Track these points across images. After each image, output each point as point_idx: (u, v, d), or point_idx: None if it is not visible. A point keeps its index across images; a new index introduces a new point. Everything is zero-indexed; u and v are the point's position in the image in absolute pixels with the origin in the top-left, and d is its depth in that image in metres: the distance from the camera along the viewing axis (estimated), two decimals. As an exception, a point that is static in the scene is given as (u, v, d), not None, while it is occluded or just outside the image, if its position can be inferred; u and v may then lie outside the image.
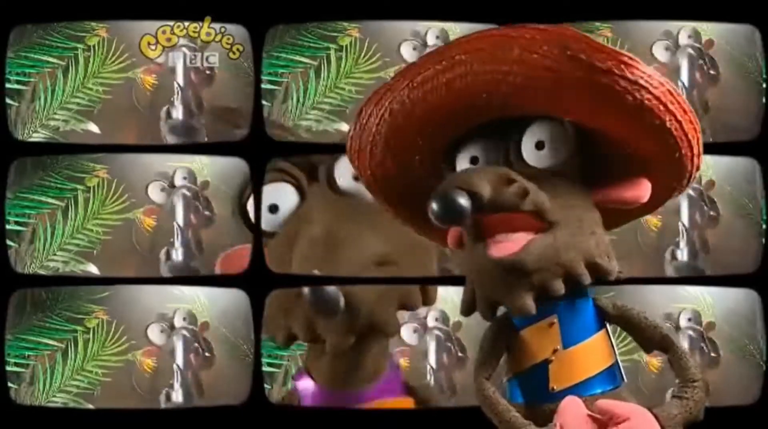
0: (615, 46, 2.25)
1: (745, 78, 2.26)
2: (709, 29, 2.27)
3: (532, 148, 1.12)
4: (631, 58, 1.12)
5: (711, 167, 2.26)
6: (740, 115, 2.25)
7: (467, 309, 1.16)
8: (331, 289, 1.85)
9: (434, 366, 2.25)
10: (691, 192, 2.27)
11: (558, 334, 1.14)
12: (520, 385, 1.17)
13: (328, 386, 1.96)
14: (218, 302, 2.23)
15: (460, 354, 2.24)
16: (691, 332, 2.24)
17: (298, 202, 1.99)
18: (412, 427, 2.01)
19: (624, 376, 1.21)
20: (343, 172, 1.99)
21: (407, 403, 1.98)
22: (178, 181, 2.26)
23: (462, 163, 1.11)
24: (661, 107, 1.08)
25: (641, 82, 1.07)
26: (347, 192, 1.98)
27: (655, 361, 2.25)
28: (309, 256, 1.90)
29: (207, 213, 2.27)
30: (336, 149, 2.05)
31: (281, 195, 2.00)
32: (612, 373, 1.22)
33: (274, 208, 2.00)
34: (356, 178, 1.97)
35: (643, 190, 1.14)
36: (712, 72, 2.27)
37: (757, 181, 2.23)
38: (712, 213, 2.26)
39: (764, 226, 2.22)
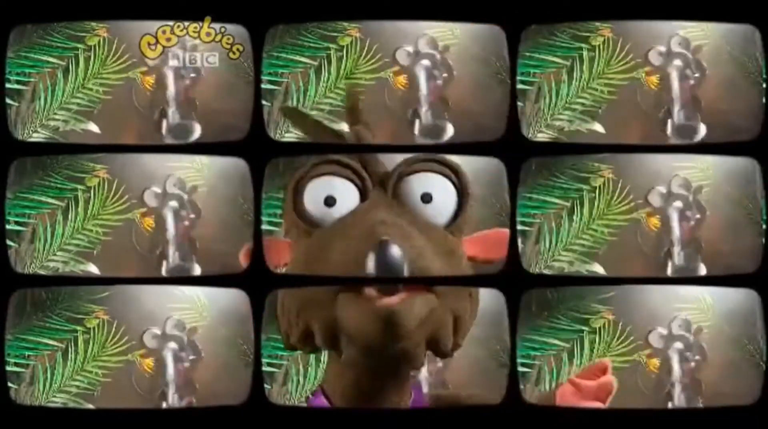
0: (615, 46, 2.27)
1: (745, 78, 2.26)
2: (709, 29, 2.27)
3: None
4: None
5: (711, 167, 2.26)
6: (740, 115, 2.25)
7: None
8: (396, 253, 1.83)
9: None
10: (681, 194, 2.27)
11: None
12: None
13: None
14: (218, 302, 2.23)
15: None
16: (679, 343, 2.25)
17: (357, 203, 1.97)
18: (413, 427, 2.01)
19: None
20: (412, 189, 1.98)
21: None
22: (170, 188, 2.26)
23: None
24: None
25: None
26: (411, 208, 1.96)
27: (655, 360, 2.25)
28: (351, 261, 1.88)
29: (193, 216, 2.27)
30: (336, 149, 2.05)
31: (342, 190, 1.97)
32: None
33: (330, 201, 1.97)
34: (425, 199, 1.96)
35: None
36: (700, 76, 2.28)
37: (757, 181, 2.23)
38: (698, 215, 2.27)
39: (764, 226, 2.22)
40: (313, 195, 1.96)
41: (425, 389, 1.98)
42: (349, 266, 1.87)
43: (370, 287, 1.86)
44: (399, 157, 2.01)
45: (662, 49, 2.27)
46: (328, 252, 1.90)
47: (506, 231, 2.03)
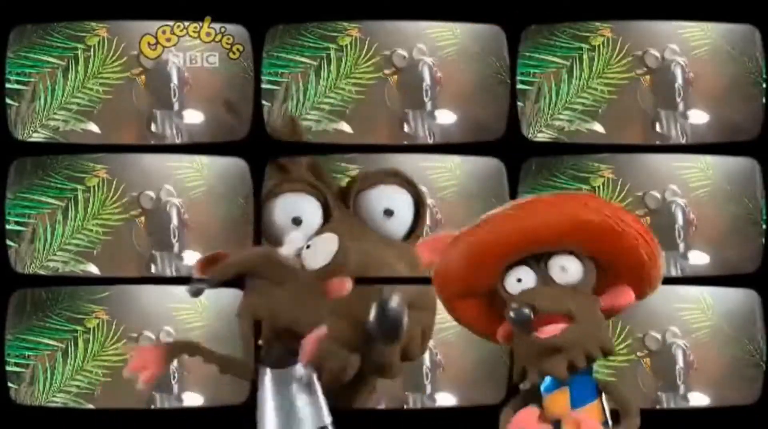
0: (615, 46, 2.27)
1: (745, 78, 2.26)
2: (709, 29, 2.27)
3: (559, 271, 1.61)
4: (625, 214, 1.60)
5: (711, 167, 2.26)
6: (740, 115, 2.25)
7: (519, 379, 1.61)
8: (398, 305, 1.82)
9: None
10: (681, 194, 2.27)
11: (567, 400, 1.58)
12: None
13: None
14: (218, 302, 2.23)
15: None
16: (679, 343, 2.25)
17: (321, 222, 1.99)
18: (409, 426, 2.01)
19: None
20: (373, 204, 1.99)
21: None
22: (164, 195, 2.27)
23: (510, 280, 1.61)
24: (639, 239, 1.59)
25: (630, 229, 1.58)
26: (372, 228, 1.98)
27: (654, 360, 2.25)
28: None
29: (193, 216, 2.27)
30: (336, 149, 2.05)
31: (307, 208, 1.99)
32: None
33: (297, 221, 1.99)
34: (387, 214, 1.98)
35: (630, 296, 1.64)
36: (700, 76, 2.28)
37: (757, 181, 2.23)
38: (692, 216, 2.27)
39: (764, 226, 2.22)
40: (280, 214, 1.99)
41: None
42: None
43: None
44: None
45: (662, 49, 2.27)
46: None
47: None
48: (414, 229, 2.02)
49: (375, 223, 2.00)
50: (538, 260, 1.61)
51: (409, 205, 2.03)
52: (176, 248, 2.26)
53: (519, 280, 1.61)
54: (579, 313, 1.58)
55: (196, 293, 1.67)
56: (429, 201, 2.13)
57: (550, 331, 1.57)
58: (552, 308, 1.57)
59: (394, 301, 1.81)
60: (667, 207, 2.27)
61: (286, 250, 1.68)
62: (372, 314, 1.83)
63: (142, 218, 2.26)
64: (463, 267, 1.61)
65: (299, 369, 1.66)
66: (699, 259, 2.26)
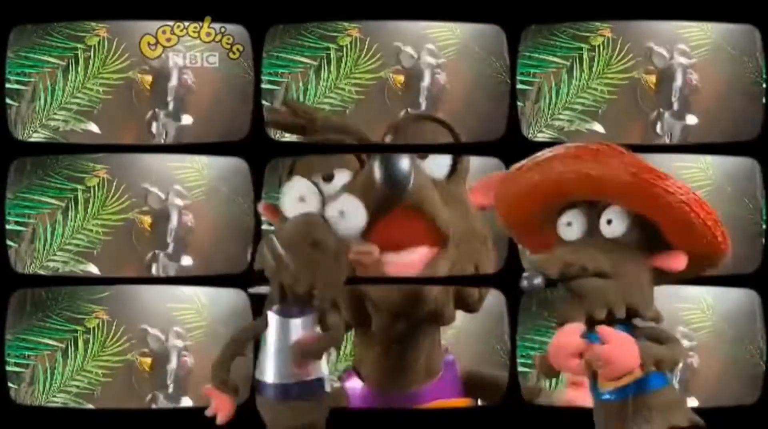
0: (615, 46, 2.27)
1: (745, 78, 2.26)
2: (709, 29, 2.27)
3: (605, 224, 1.62)
4: (667, 176, 1.58)
5: (711, 167, 2.26)
6: (740, 115, 2.25)
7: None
8: (404, 161, 1.78)
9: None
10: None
11: None
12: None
13: (378, 386, 1.88)
14: (218, 302, 2.23)
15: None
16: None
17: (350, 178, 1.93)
18: (415, 427, 2.01)
19: (668, 380, 1.63)
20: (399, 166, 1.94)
21: (465, 403, 1.90)
22: (164, 195, 2.27)
23: (562, 222, 1.64)
24: (686, 207, 1.57)
25: (679, 192, 1.58)
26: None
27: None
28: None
29: (193, 216, 2.27)
30: (336, 149, 2.05)
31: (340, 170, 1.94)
32: (648, 379, 1.60)
33: (329, 177, 1.92)
34: (422, 156, 1.92)
35: (680, 261, 1.61)
36: (699, 76, 2.28)
37: (757, 181, 2.23)
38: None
39: (764, 226, 2.23)
40: (287, 195, 1.95)
41: (457, 366, 1.95)
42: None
43: (385, 253, 1.84)
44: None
45: (662, 49, 2.27)
46: None
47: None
48: (454, 169, 1.94)
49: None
50: (591, 206, 1.62)
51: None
52: (176, 248, 2.26)
53: (569, 224, 1.63)
54: (613, 269, 1.58)
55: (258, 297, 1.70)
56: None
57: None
58: (578, 271, 1.57)
59: (399, 155, 1.80)
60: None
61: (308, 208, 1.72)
62: (376, 166, 1.79)
63: (143, 218, 2.26)
64: (522, 203, 1.65)
65: (305, 321, 1.68)
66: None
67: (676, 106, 2.28)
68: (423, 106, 2.29)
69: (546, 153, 1.65)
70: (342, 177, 1.83)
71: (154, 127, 2.27)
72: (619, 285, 1.58)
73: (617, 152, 1.60)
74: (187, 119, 2.27)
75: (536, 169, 1.64)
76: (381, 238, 1.79)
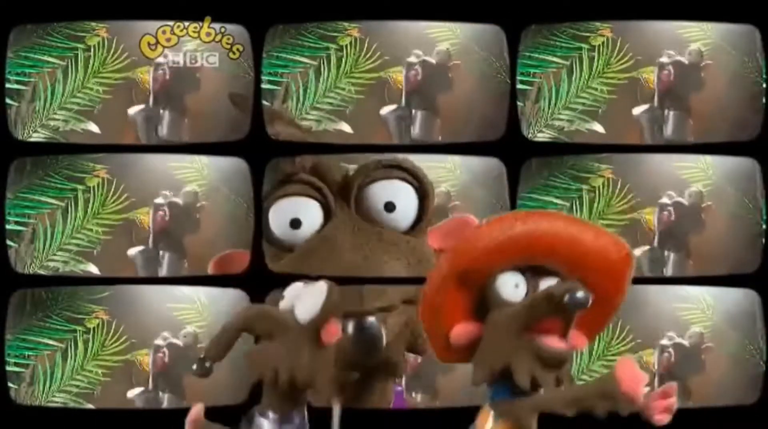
0: (615, 46, 2.27)
1: (745, 78, 2.26)
2: (709, 29, 2.27)
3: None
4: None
5: (711, 167, 2.26)
6: (740, 114, 2.25)
7: (492, 379, 1.58)
8: (374, 324, 1.77)
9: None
10: (683, 200, 2.28)
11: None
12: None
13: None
14: (218, 302, 2.23)
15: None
16: (679, 343, 2.25)
17: (321, 222, 1.97)
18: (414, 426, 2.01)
19: None
20: (374, 199, 1.97)
21: None
22: (171, 197, 2.27)
23: (508, 283, 1.58)
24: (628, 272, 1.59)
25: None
26: (375, 221, 1.96)
27: (654, 360, 2.25)
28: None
29: (192, 216, 2.27)
30: (336, 149, 2.05)
31: (305, 210, 1.97)
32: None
33: (296, 223, 1.97)
34: (389, 208, 1.96)
35: (583, 344, 1.60)
36: (700, 76, 2.28)
37: (757, 181, 2.23)
38: (697, 216, 2.27)
39: (764, 226, 2.23)
40: (278, 219, 1.97)
41: (404, 394, 1.99)
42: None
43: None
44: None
45: (662, 49, 2.27)
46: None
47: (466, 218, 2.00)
48: (419, 220, 1.98)
49: (378, 217, 1.98)
50: (531, 269, 1.59)
51: (411, 196, 1.98)
52: (176, 248, 2.26)
53: (516, 286, 1.58)
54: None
55: (203, 374, 1.67)
56: (442, 187, 2.12)
57: (562, 343, 1.56)
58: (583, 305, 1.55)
59: (371, 320, 1.80)
60: (667, 207, 2.27)
61: (284, 304, 1.68)
62: (350, 333, 1.82)
63: (142, 218, 2.26)
64: (486, 254, 1.58)
65: (296, 417, 1.67)
66: (699, 259, 2.26)
67: (675, 106, 2.28)
68: (423, 106, 2.29)
69: (531, 212, 1.63)
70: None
71: (153, 127, 2.27)
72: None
73: (600, 231, 1.59)
74: (187, 119, 2.27)
75: (525, 224, 1.59)
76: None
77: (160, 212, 2.27)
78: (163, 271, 2.26)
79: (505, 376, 1.56)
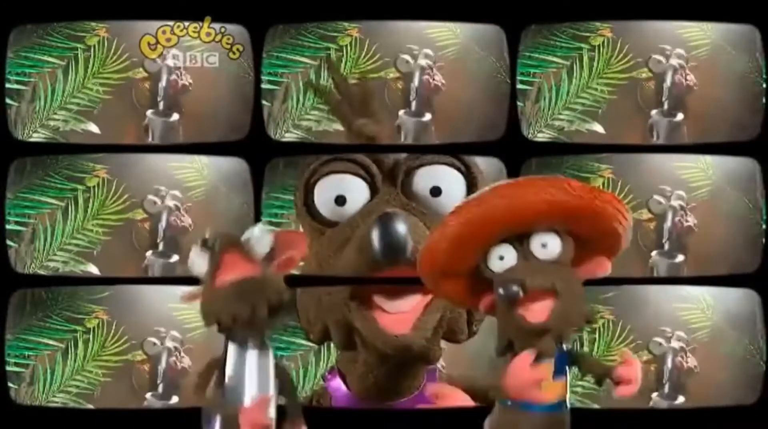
0: (615, 46, 2.27)
1: (745, 78, 2.26)
2: (709, 29, 2.27)
3: (540, 248, 1.65)
4: (602, 193, 1.68)
5: (711, 167, 2.26)
6: (740, 114, 2.25)
7: (503, 353, 1.66)
8: (400, 226, 1.82)
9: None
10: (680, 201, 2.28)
11: (551, 371, 1.63)
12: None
13: (362, 398, 1.94)
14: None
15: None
16: (679, 343, 2.25)
17: (367, 199, 1.97)
18: (413, 426, 2.01)
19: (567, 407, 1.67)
20: (422, 182, 1.98)
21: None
22: (164, 196, 2.27)
23: (493, 258, 1.65)
24: (618, 215, 1.66)
25: (608, 207, 1.66)
26: (420, 202, 1.97)
27: (656, 359, 2.25)
28: (358, 262, 1.88)
29: (193, 216, 2.27)
30: (336, 149, 2.05)
31: (351, 188, 1.97)
32: (564, 404, 1.67)
33: (341, 200, 1.97)
34: (435, 192, 1.96)
35: (605, 267, 1.69)
36: (700, 76, 2.28)
37: (757, 181, 2.23)
38: (697, 217, 2.27)
39: (764, 226, 2.23)
40: (323, 194, 1.97)
41: (437, 374, 1.99)
42: (357, 258, 1.88)
43: (379, 296, 1.89)
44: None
45: (662, 48, 2.27)
46: (338, 252, 1.91)
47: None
48: None
49: (424, 202, 1.98)
50: (519, 238, 1.65)
51: (460, 183, 1.98)
52: (177, 248, 2.26)
53: (501, 258, 1.65)
54: (562, 287, 1.63)
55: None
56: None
57: (537, 313, 1.62)
58: (540, 285, 1.62)
59: (398, 217, 1.82)
60: (667, 207, 2.27)
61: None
62: (374, 232, 1.83)
63: (143, 218, 2.26)
64: (447, 248, 1.64)
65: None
66: (699, 259, 2.26)
67: (676, 106, 2.28)
68: (422, 106, 2.29)
69: (476, 194, 1.69)
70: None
71: (153, 127, 2.26)
72: (574, 304, 1.65)
73: (547, 180, 1.66)
74: (186, 119, 2.27)
75: (469, 209, 1.66)
76: (375, 285, 1.88)
77: (161, 212, 2.27)
78: (162, 271, 2.26)
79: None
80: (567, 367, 1.66)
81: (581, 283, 1.67)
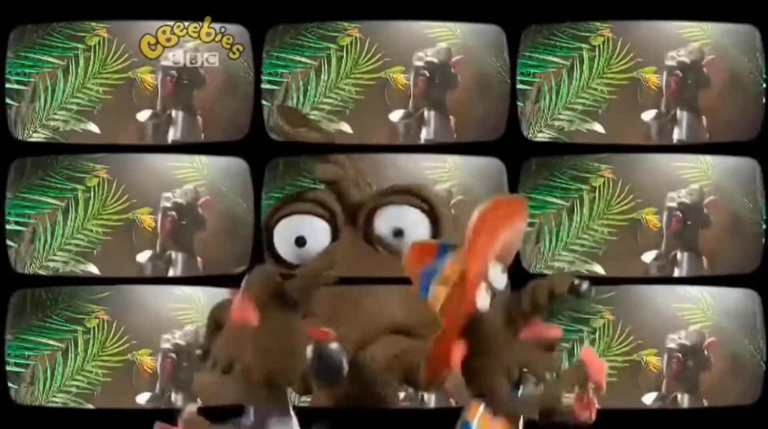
0: (615, 46, 2.27)
1: (745, 78, 2.26)
2: (709, 29, 2.27)
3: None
4: None
5: (711, 167, 2.26)
6: (740, 115, 2.25)
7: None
8: (335, 350, 1.75)
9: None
10: (687, 200, 2.28)
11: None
12: None
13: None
14: (218, 302, 2.23)
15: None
16: (680, 343, 2.25)
17: (328, 241, 1.97)
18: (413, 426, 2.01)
19: None
20: (384, 224, 1.97)
21: None
22: (171, 197, 2.27)
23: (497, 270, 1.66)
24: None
25: None
26: (383, 244, 1.96)
27: (654, 360, 2.25)
28: (324, 303, 1.86)
29: (193, 216, 2.27)
30: (336, 149, 2.05)
31: (312, 230, 1.97)
32: None
33: (301, 241, 1.97)
34: (397, 234, 1.96)
35: None
36: (700, 76, 2.28)
37: (757, 181, 2.23)
38: (698, 216, 2.27)
39: (764, 226, 2.23)
40: (283, 235, 1.97)
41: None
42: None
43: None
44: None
45: (662, 49, 2.27)
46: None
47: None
48: None
49: (387, 243, 1.98)
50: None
51: (423, 224, 1.97)
52: (176, 248, 2.26)
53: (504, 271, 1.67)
54: None
55: None
56: (443, 187, 2.11)
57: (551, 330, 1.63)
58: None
59: (333, 345, 1.79)
60: (666, 207, 2.27)
61: None
62: (309, 356, 1.81)
63: (143, 218, 2.26)
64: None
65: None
66: (699, 259, 2.26)
67: (675, 106, 2.28)
68: (423, 106, 2.29)
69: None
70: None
71: (153, 127, 2.27)
72: None
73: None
74: (187, 119, 2.27)
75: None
76: None
77: (161, 212, 2.27)
78: (177, 272, 2.26)
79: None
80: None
81: None
